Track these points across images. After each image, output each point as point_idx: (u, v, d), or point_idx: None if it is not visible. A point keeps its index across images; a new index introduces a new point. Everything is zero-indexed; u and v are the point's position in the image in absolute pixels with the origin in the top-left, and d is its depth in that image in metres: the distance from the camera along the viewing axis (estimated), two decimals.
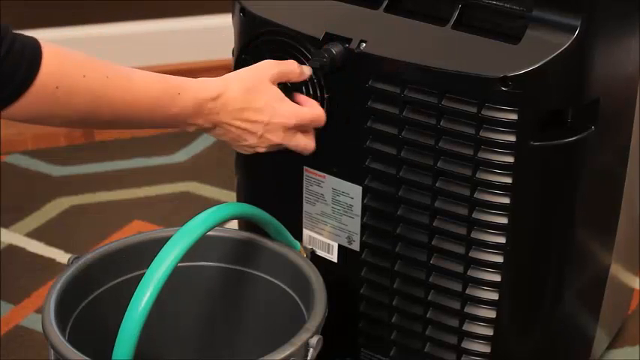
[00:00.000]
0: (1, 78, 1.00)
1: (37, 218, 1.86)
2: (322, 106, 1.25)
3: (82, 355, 1.10)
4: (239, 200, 1.44)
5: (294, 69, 1.23)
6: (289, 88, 1.25)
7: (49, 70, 1.03)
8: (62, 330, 1.15)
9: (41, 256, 1.76)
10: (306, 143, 1.25)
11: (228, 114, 1.18)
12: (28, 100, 1.03)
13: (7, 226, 1.83)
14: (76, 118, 1.09)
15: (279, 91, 1.22)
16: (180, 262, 1.30)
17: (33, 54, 1.02)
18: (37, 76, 1.02)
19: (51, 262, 1.75)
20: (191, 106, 1.15)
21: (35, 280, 1.70)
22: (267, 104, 1.20)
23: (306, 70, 1.24)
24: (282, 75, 1.23)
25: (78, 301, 1.22)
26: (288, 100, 1.23)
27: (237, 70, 1.22)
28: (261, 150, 1.22)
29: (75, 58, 1.07)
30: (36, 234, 1.82)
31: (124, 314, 1.11)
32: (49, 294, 1.19)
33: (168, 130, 2.11)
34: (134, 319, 1.08)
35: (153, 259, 1.28)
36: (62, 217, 1.87)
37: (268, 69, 1.22)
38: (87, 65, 1.08)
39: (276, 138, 1.22)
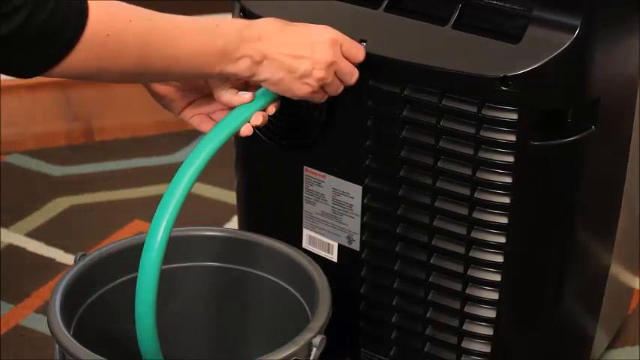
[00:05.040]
0: (53, 29, 0.97)
1: (37, 218, 1.86)
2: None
3: (87, 350, 1.10)
4: (239, 200, 1.44)
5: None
6: None
7: (98, 15, 1.00)
8: (67, 327, 1.15)
9: (41, 256, 1.76)
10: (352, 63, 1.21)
11: (270, 41, 1.14)
12: (81, 51, 0.99)
13: (7, 226, 1.83)
14: (129, 67, 1.05)
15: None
16: (182, 262, 1.30)
17: (80, 2, 0.99)
18: (87, 23, 0.99)
19: (51, 262, 1.75)
20: (233, 33, 1.11)
21: (35, 280, 1.69)
22: (302, 25, 1.17)
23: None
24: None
25: (83, 298, 1.22)
26: None
27: None
28: (319, 75, 1.16)
29: (117, 3, 1.04)
30: (36, 234, 1.82)
31: (128, 313, 1.11)
32: (55, 290, 1.18)
33: (169, 129, 2.12)
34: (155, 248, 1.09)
35: None
36: (62, 217, 1.87)
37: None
38: (130, 10, 1.04)
39: (326, 55, 1.16)
